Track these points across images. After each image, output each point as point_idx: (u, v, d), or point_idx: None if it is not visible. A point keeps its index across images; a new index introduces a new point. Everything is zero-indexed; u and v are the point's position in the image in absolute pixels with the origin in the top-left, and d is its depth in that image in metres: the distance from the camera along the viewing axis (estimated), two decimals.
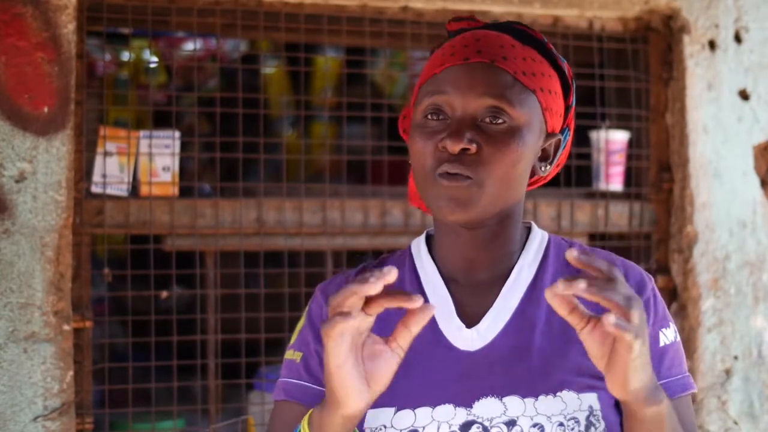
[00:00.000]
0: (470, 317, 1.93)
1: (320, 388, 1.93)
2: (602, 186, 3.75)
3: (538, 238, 2.02)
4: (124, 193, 3.24)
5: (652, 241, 3.80)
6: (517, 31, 1.99)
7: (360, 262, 2.12)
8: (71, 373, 3.07)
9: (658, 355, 1.91)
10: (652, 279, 2.00)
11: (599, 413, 1.88)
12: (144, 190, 3.27)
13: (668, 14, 3.76)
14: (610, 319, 1.54)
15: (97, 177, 3.21)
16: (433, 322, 1.92)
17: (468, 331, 1.92)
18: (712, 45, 3.76)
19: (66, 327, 3.06)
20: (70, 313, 3.08)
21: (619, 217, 3.77)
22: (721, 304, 3.72)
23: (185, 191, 3.39)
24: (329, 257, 3.59)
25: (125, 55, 4.08)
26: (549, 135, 1.97)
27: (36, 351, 3.03)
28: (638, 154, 3.81)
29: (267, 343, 3.48)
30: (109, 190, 3.22)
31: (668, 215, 3.80)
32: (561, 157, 2.04)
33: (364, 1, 3.49)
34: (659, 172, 3.80)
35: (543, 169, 1.99)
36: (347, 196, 3.49)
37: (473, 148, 1.85)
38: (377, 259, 2.11)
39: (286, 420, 1.95)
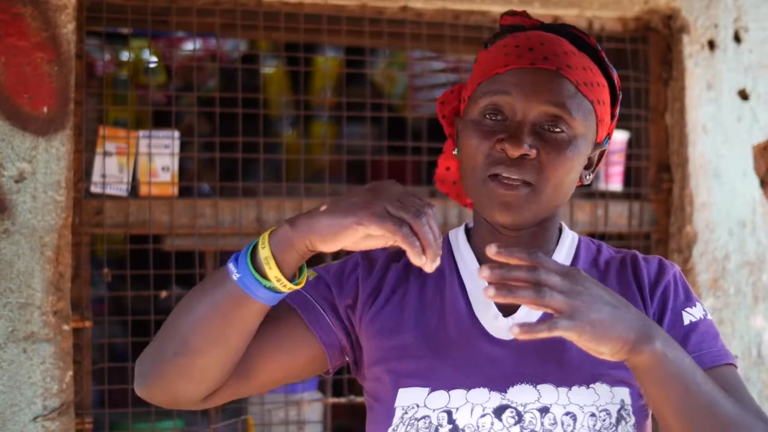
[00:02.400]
0: (506, 307, 1.94)
1: (318, 306, 1.96)
2: (602, 186, 3.75)
3: (569, 238, 2.05)
4: (124, 193, 3.24)
5: (652, 241, 3.79)
6: (574, 36, 2.01)
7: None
8: (71, 373, 3.07)
9: (684, 334, 1.91)
10: (675, 266, 2.02)
11: (630, 408, 1.90)
12: (143, 190, 3.27)
13: (668, 14, 3.76)
14: (515, 330, 1.60)
15: (96, 177, 3.21)
16: (470, 309, 1.96)
17: (504, 319, 1.93)
18: (711, 45, 3.76)
19: (65, 327, 3.06)
20: (70, 313, 3.08)
21: (619, 217, 3.77)
22: (721, 304, 3.72)
23: (185, 191, 3.39)
24: (329, 257, 3.59)
25: (125, 55, 4.09)
26: (597, 145, 1.99)
27: (35, 351, 3.02)
28: (638, 154, 3.81)
29: None
30: (109, 190, 3.22)
31: (668, 215, 3.79)
32: (601, 164, 2.08)
33: (363, 1, 3.49)
34: (659, 172, 3.80)
35: (587, 177, 2.02)
36: None
37: (533, 153, 1.87)
38: None
39: (272, 312, 1.96)
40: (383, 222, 1.67)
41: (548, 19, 3.66)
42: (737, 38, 3.79)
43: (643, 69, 3.80)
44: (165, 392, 1.90)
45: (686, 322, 1.94)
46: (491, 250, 1.63)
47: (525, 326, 1.59)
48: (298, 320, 1.95)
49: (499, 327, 1.93)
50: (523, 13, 2.06)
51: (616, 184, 3.77)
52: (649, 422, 1.97)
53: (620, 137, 3.75)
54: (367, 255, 2.03)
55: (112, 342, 3.35)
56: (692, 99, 3.72)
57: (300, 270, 1.81)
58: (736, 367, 1.95)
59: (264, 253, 1.76)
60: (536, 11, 3.63)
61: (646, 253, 3.75)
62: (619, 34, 3.79)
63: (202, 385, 1.87)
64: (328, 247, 1.73)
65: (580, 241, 2.06)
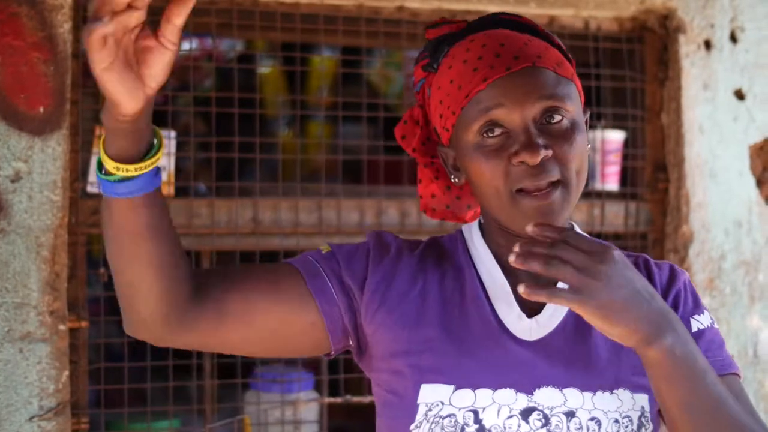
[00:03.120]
0: (531, 308, 1.93)
1: (325, 275, 1.93)
2: (598, 186, 3.75)
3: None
4: None
5: (648, 241, 3.80)
6: (512, 23, 2.00)
7: None
8: (67, 373, 3.07)
9: None
10: (685, 273, 2.03)
11: (649, 415, 1.90)
12: None
13: (664, 14, 3.76)
14: (520, 288, 1.63)
15: (92, 177, 3.21)
16: (492, 308, 1.94)
17: (528, 320, 1.92)
18: (707, 45, 3.76)
19: (62, 327, 3.06)
20: (66, 312, 3.08)
21: (615, 216, 3.77)
22: (717, 304, 3.72)
23: (181, 191, 3.39)
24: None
25: None
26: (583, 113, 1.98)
27: (32, 351, 3.02)
28: (634, 154, 3.81)
29: None
30: None
31: (664, 215, 3.80)
32: None
33: (360, 1, 3.49)
34: (655, 172, 3.80)
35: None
36: (343, 196, 3.49)
37: (549, 153, 1.85)
38: (428, 238, 2.09)
39: (274, 268, 1.97)
40: (94, 30, 1.61)
41: (544, 19, 3.67)
42: (733, 38, 3.79)
43: (639, 69, 3.81)
44: (132, 321, 1.88)
45: (694, 329, 1.94)
46: (530, 228, 1.68)
47: (530, 288, 1.63)
48: (300, 282, 1.92)
49: (524, 328, 1.92)
50: (443, 20, 2.05)
51: (612, 184, 3.77)
52: (663, 429, 1.96)
53: (616, 137, 3.75)
54: (380, 241, 2.01)
55: (108, 342, 3.35)
56: (688, 99, 3.73)
57: (152, 147, 1.76)
58: (740, 377, 1.95)
59: (100, 157, 1.74)
60: (532, 11, 3.63)
61: (642, 252, 3.78)
62: (615, 33, 3.79)
63: (153, 303, 1.84)
64: (122, 101, 1.65)
65: None
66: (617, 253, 1.67)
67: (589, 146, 1.97)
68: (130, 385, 3.26)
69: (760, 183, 3.81)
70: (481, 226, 2.04)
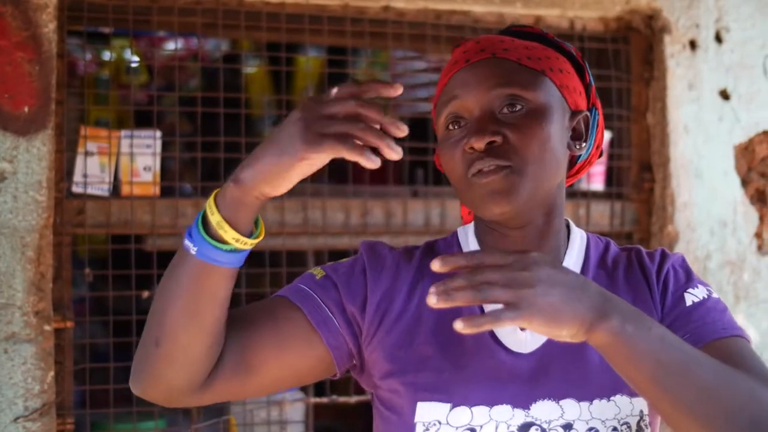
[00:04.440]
0: None
1: (325, 307, 1.91)
2: (583, 185, 3.75)
3: (579, 236, 2.00)
4: (105, 193, 3.23)
5: (634, 241, 3.80)
6: (516, 32, 2.00)
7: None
8: (52, 373, 3.06)
9: (686, 315, 1.88)
10: (678, 254, 1.99)
11: (648, 418, 1.87)
12: (125, 189, 3.27)
13: (649, 14, 3.77)
14: (457, 325, 1.55)
15: (78, 177, 3.20)
16: None
17: (522, 333, 1.89)
18: (693, 45, 3.77)
19: (47, 327, 3.05)
20: (51, 313, 3.07)
21: (601, 216, 3.77)
22: None
23: (166, 191, 3.39)
24: (310, 257, 3.59)
25: (106, 55, 4.08)
26: (575, 113, 1.95)
27: (16, 351, 3.02)
28: (619, 154, 3.82)
29: None
30: (90, 190, 3.21)
31: (649, 215, 3.80)
32: (598, 137, 2.02)
33: (345, 1, 3.49)
34: (640, 172, 3.81)
35: (579, 147, 1.96)
36: (328, 196, 3.49)
37: (499, 139, 1.83)
38: (422, 243, 2.06)
39: (273, 309, 1.94)
40: (323, 147, 1.64)
41: (530, 19, 3.67)
42: (718, 38, 3.80)
43: (625, 69, 3.81)
44: (156, 384, 1.84)
45: (688, 303, 1.90)
46: (435, 266, 1.59)
47: (467, 320, 1.55)
48: (303, 320, 1.90)
49: (518, 340, 1.89)
50: (472, 39, 2.05)
51: (597, 184, 3.78)
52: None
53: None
54: (375, 255, 1.98)
55: (93, 342, 3.35)
56: (674, 99, 3.73)
57: (256, 223, 1.78)
58: (747, 340, 1.88)
59: (215, 218, 1.72)
60: (518, 11, 3.64)
61: None
62: (601, 34, 3.80)
63: (189, 370, 1.82)
64: (279, 190, 1.71)
65: (589, 239, 2.02)
66: (536, 255, 1.61)
67: (583, 145, 1.96)
68: (116, 385, 3.25)
69: (745, 183, 3.82)
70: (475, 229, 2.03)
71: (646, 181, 3.79)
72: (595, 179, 3.77)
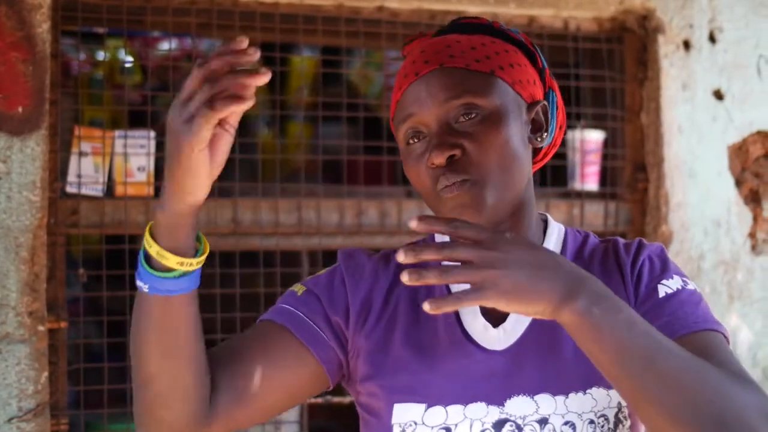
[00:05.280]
0: (495, 316, 1.90)
1: (311, 322, 1.90)
2: (577, 186, 3.76)
3: (556, 231, 2.00)
4: (99, 193, 3.23)
5: None
6: (462, 26, 1.99)
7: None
8: (46, 374, 3.06)
9: (659, 306, 1.85)
10: (656, 244, 1.97)
11: (626, 410, 1.86)
12: (119, 190, 3.26)
13: (643, 14, 3.77)
14: (425, 306, 1.54)
15: (71, 177, 3.20)
16: (458, 321, 1.92)
17: (494, 330, 1.89)
18: (686, 45, 3.77)
19: (41, 327, 3.05)
20: (45, 313, 3.07)
21: (595, 216, 3.78)
22: None
23: (160, 191, 3.38)
24: (305, 257, 3.59)
25: (100, 55, 4.06)
26: (531, 105, 1.94)
27: (10, 352, 3.01)
28: (613, 154, 3.82)
29: None
30: (84, 190, 3.21)
31: (643, 215, 3.81)
32: (559, 119, 2.01)
33: (339, 1, 3.49)
34: (634, 172, 3.81)
35: (540, 138, 1.95)
36: (323, 196, 3.49)
37: (458, 152, 1.83)
38: (401, 247, 2.07)
39: (260, 333, 1.92)
40: (197, 125, 1.59)
41: (524, 19, 3.67)
42: (712, 38, 3.81)
43: (619, 69, 3.82)
44: (159, 427, 1.83)
45: (661, 294, 1.88)
46: (413, 224, 1.58)
47: (433, 301, 1.54)
48: (292, 339, 1.90)
49: (491, 338, 1.89)
50: (419, 35, 2.04)
51: (591, 184, 3.78)
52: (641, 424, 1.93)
53: (596, 137, 3.76)
54: (353, 263, 1.98)
55: (87, 342, 3.34)
56: (667, 99, 3.74)
57: (198, 239, 1.75)
58: (723, 335, 1.84)
59: (153, 250, 1.70)
60: (511, 11, 3.64)
61: None
62: (595, 34, 3.80)
63: (185, 407, 1.81)
64: (198, 191, 1.67)
65: (566, 232, 2.01)
66: (509, 235, 1.61)
67: (545, 135, 1.95)
68: (110, 385, 3.25)
69: (738, 183, 3.83)
70: None
71: (640, 181, 3.79)
72: (589, 179, 3.77)
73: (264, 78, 1.54)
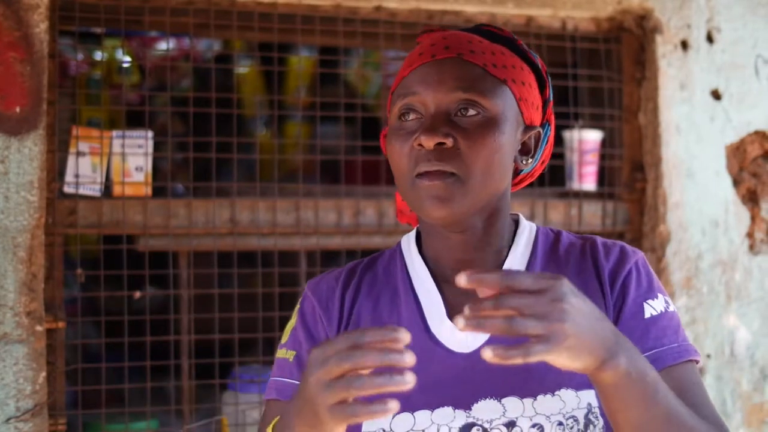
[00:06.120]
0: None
1: None
2: (575, 185, 3.76)
3: (527, 231, 1.99)
4: (97, 193, 3.23)
5: (625, 241, 3.80)
6: (486, 31, 1.99)
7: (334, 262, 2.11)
8: (44, 374, 3.06)
9: (643, 328, 1.86)
10: (639, 253, 1.95)
11: (597, 410, 1.86)
12: (117, 190, 3.26)
13: (641, 14, 3.77)
14: (487, 353, 1.48)
15: (69, 177, 3.20)
16: (425, 324, 1.91)
17: (461, 333, 1.87)
18: (684, 45, 3.78)
19: (39, 328, 3.05)
20: (43, 313, 3.07)
21: (593, 216, 3.78)
22: (694, 303, 3.74)
23: (158, 191, 3.39)
24: (303, 257, 3.59)
25: (98, 55, 4.07)
26: (528, 128, 1.94)
27: (8, 352, 3.01)
28: (611, 154, 3.82)
29: (240, 344, 3.47)
30: (82, 191, 3.21)
31: (641, 214, 3.81)
32: (545, 153, 2.02)
33: (337, 1, 3.49)
34: (632, 172, 3.81)
35: (524, 162, 1.96)
36: (321, 196, 3.49)
37: (449, 141, 1.82)
38: (368, 257, 2.07)
39: (271, 420, 1.90)
40: (338, 417, 1.56)
41: (522, 19, 3.67)
42: (710, 38, 3.81)
43: (617, 69, 3.82)
44: None
45: (647, 315, 1.88)
46: (461, 281, 1.52)
47: (498, 351, 1.48)
48: None
49: (458, 341, 1.89)
50: (440, 27, 2.04)
51: (589, 184, 3.78)
52: None
53: (594, 137, 3.76)
54: (322, 294, 1.99)
55: (85, 342, 3.34)
56: (665, 99, 3.74)
57: None
58: (697, 362, 1.89)
59: None
60: (510, 11, 3.64)
61: None
62: (593, 34, 3.80)
63: None
64: None
65: (538, 232, 2.01)
66: (565, 282, 1.55)
67: (529, 160, 1.96)
68: (108, 385, 3.25)
69: (736, 182, 3.83)
70: (418, 234, 2.03)
71: (637, 180, 3.80)
72: (587, 179, 3.77)
73: (405, 359, 1.52)
